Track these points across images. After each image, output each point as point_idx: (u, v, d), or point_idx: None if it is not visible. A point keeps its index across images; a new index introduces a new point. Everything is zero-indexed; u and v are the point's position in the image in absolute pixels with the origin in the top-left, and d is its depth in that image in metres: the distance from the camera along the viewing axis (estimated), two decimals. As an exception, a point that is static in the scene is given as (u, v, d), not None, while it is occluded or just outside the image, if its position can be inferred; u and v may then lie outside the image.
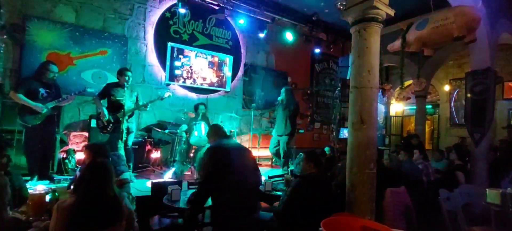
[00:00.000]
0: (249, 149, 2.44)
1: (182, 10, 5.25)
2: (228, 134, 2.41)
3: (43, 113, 3.30)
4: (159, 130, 4.88)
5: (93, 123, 4.10)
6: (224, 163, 2.02)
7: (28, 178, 3.32)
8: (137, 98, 3.92)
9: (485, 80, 4.52)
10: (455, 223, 2.74)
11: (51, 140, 3.63)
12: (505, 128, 6.80)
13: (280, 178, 3.83)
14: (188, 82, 5.85)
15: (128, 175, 2.79)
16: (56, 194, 2.20)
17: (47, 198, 2.10)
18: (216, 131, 2.37)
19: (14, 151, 3.48)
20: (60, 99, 3.46)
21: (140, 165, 4.58)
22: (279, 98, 4.84)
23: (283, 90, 4.88)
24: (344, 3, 4.08)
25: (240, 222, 1.97)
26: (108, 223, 1.54)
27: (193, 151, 4.71)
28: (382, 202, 2.62)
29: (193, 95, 5.96)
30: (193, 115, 5.01)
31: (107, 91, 3.74)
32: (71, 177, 3.40)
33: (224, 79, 6.31)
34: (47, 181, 3.36)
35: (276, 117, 5.03)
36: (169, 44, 5.55)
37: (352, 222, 1.58)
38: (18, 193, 2.33)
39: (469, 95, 4.73)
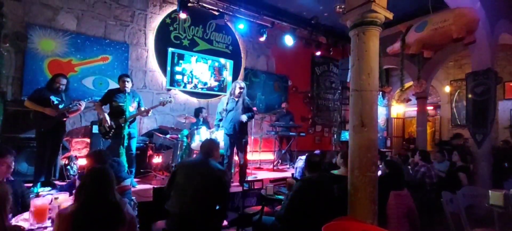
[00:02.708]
0: (219, 171, 2.40)
1: (183, 15, 5.29)
2: (210, 154, 2.47)
3: (55, 118, 3.43)
4: (161, 135, 4.89)
5: (95, 129, 4.12)
6: (177, 174, 2.35)
7: (30, 184, 3.34)
8: (138, 104, 3.94)
9: (486, 81, 4.52)
10: (458, 225, 2.72)
11: (58, 146, 3.71)
12: (507, 128, 6.77)
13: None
14: (189, 87, 5.87)
15: (129, 181, 2.79)
16: (58, 201, 2.20)
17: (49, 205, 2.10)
18: (202, 148, 2.53)
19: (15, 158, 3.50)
20: (71, 105, 3.58)
21: (141, 170, 4.57)
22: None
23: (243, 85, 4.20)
24: (342, 7, 4.10)
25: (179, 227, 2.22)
26: (109, 229, 1.54)
27: (194, 155, 4.71)
28: (386, 204, 2.61)
29: (194, 100, 5.98)
30: (194, 120, 5.02)
31: (109, 97, 3.76)
32: (69, 181, 3.44)
33: (224, 84, 6.33)
34: (50, 187, 3.38)
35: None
36: (170, 49, 5.58)
37: (354, 227, 1.57)
38: (21, 199, 2.34)
39: (470, 96, 4.72)
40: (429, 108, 8.19)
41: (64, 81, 3.61)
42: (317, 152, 3.90)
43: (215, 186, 2.29)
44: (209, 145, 2.53)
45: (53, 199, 2.06)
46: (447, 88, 8.15)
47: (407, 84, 7.50)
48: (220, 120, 4.27)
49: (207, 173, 2.31)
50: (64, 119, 3.62)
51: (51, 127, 3.43)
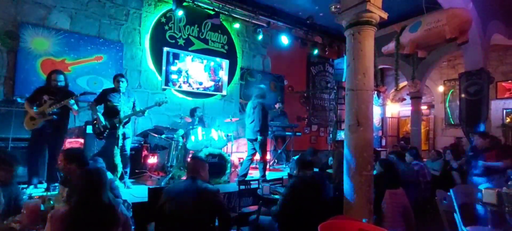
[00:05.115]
0: (207, 192, 2.09)
1: (179, 13, 5.26)
2: (196, 175, 2.18)
3: (41, 118, 3.31)
4: (156, 135, 4.85)
5: (89, 129, 4.07)
6: (166, 203, 2.04)
7: (25, 185, 3.28)
8: (134, 104, 3.90)
9: (479, 81, 4.59)
10: (452, 223, 2.76)
11: (57, 147, 3.54)
12: (499, 127, 6.88)
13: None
14: (184, 87, 5.84)
15: (110, 174, 2.72)
16: (51, 202, 2.17)
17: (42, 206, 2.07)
18: (188, 170, 2.26)
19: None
20: (63, 102, 3.39)
21: (136, 170, 4.54)
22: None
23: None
24: (338, 7, 4.11)
25: None
26: (103, 230, 1.52)
27: (190, 155, 4.68)
28: (381, 203, 2.63)
29: (189, 99, 5.95)
30: (189, 120, 4.99)
31: (104, 97, 3.72)
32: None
33: (220, 84, 6.31)
34: (43, 189, 3.32)
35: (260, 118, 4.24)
36: (165, 49, 5.54)
37: (350, 226, 1.58)
38: (14, 202, 2.30)
39: (463, 95, 4.79)
40: (423, 107, 8.29)
41: (60, 77, 3.45)
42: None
43: (210, 210, 2.08)
44: (195, 165, 2.23)
45: (45, 200, 2.03)
46: (441, 88, 8.25)
47: (401, 84, 7.56)
48: None
49: (198, 197, 2.05)
50: (54, 117, 3.39)
51: (40, 126, 3.31)
